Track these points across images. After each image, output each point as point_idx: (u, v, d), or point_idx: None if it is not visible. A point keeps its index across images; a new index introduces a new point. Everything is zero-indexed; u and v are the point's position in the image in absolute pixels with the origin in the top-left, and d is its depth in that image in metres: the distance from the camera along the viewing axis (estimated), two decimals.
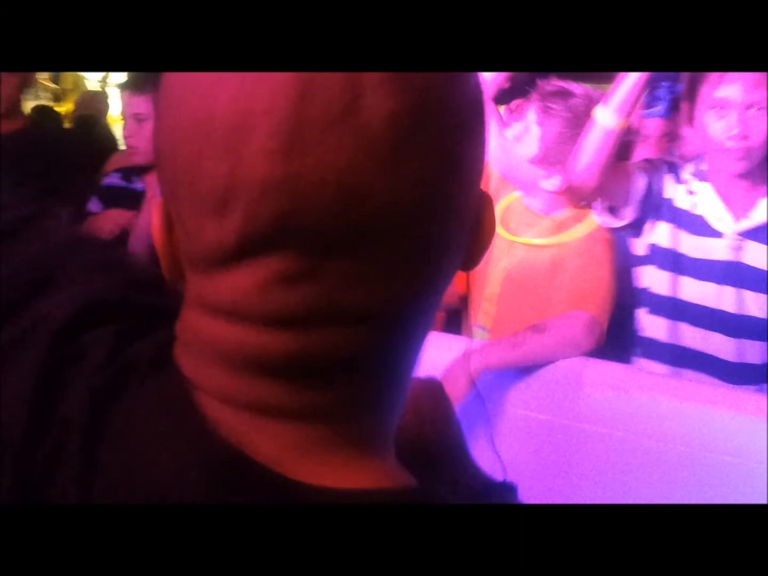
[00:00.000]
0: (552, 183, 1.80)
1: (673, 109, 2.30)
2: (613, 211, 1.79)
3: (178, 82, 0.41)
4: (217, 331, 0.43)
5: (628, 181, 1.75)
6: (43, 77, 5.48)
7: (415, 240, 0.41)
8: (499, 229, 1.91)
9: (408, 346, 0.45)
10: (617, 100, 1.62)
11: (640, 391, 1.54)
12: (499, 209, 1.95)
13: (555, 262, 1.82)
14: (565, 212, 1.87)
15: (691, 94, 1.70)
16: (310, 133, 0.37)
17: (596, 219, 1.82)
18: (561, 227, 1.85)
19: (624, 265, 1.84)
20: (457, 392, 1.47)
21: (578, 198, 1.83)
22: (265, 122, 0.38)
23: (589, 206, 1.86)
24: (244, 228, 0.39)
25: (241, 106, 0.38)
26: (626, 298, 1.82)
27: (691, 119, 1.73)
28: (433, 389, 0.70)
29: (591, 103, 1.72)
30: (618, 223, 1.79)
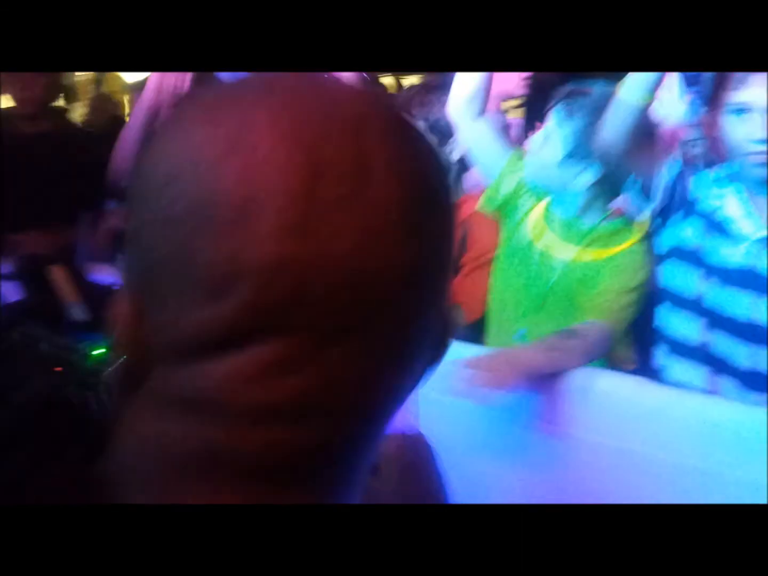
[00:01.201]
0: (586, 177, 1.80)
1: (698, 113, 2.28)
2: (644, 193, 1.78)
3: (163, 167, 0.39)
4: (180, 429, 0.39)
5: (657, 160, 1.74)
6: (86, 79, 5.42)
7: (413, 323, 0.40)
8: (534, 239, 1.90)
9: (379, 439, 0.44)
10: (639, 75, 1.61)
11: (649, 403, 1.53)
12: (533, 218, 1.93)
13: (586, 275, 1.82)
14: (598, 220, 1.85)
15: (713, 98, 1.69)
16: (322, 214, 0.37)
17: (626, 201, 1.81)
18: (596, 243, 1.84)
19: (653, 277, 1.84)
20: (498, 381, 1.47)
21: (614, 184, 1.81)
22: (276, 202, 0.36)
23: (621, 212, 1.85)
24: (247, 310, 0.37)
25: (250, 187, 0.37)
26: (651, 295, 1.81)
27: (713, 124, 1.72)
28: (419, 445, 0.68)
29: (610, 95, 1.71)
30: (648, 208, 1.78)
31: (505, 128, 2.40)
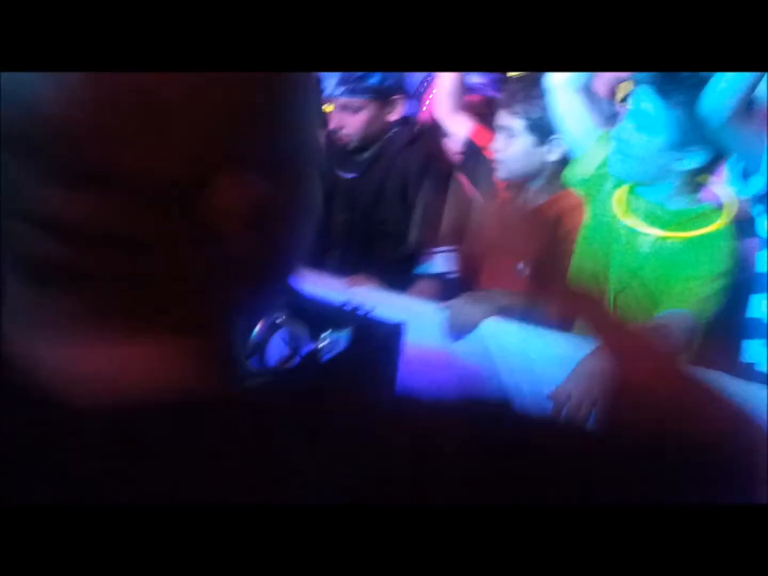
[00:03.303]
0: (685, 164, 1.69)
1: None
2: (745, 176, 1.68)
3: None
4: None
5: (761, 137, 1.63)
6: None
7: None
8: (618, 220, 1.82)
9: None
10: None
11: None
12: (617, 198, 1.84)
13: (671, 259, 1.74)
14: (686, 203, 1.78)
15: None
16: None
17: (715, 183, 1.74)
18: (681, 225, 1.76)
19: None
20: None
21: (711, 168, 1.74)
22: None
23: (710, 195, 1.77)
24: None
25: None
26: (742, 284, 1.74)
27: None
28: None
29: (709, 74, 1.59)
30: (748, 192, 1.70)
31: (613, 117, 2.28)
